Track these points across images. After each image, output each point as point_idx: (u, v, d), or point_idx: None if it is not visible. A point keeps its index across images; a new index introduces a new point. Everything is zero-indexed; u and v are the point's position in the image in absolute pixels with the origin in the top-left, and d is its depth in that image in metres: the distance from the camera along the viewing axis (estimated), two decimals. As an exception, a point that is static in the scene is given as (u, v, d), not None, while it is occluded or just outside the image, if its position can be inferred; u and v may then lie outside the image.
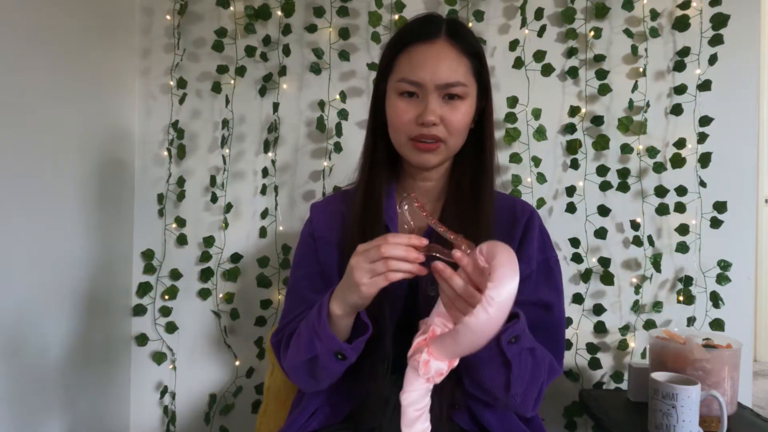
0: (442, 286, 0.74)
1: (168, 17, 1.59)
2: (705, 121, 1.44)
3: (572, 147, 1.50)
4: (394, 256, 0.71)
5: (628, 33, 1.46)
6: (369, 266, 0.73)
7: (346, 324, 0.82)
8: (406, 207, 0.76)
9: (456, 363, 0.71)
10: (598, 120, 1.49)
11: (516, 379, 0.81)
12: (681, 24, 1.45)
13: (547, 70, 1.49)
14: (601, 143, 1.48)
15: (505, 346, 0.77)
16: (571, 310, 1.50)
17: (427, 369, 0.70)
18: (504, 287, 0.65)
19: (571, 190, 1.50)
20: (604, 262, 1.49)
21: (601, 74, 1.48)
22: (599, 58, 1.49)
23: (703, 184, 1.46)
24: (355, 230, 0.93)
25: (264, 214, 1.59)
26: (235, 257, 1.60)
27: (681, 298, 1.48)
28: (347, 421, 0.94)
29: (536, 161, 1.50)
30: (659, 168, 1.47)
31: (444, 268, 0.72)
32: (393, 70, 0.92)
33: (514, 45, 1.50)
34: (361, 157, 1.00)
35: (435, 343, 0.71)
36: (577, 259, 1.50)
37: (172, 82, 1.59)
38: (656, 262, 1.48)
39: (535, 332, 0.91)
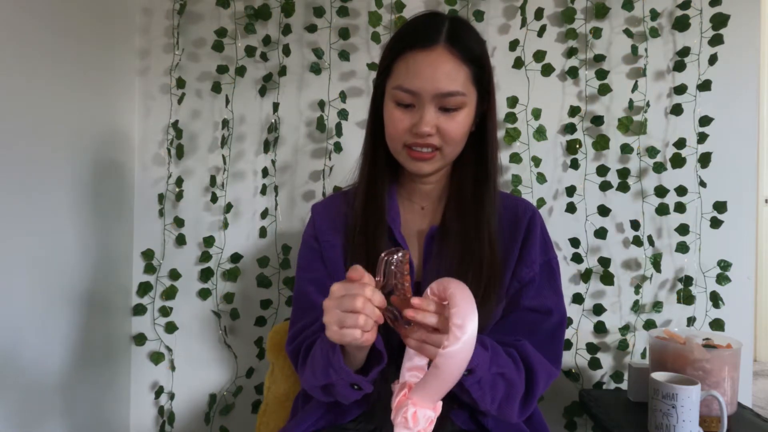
0: (407, 334, 0.74)
1: (167, 17, 1.59)
2: (705, 121, 1.44)
3: (572, 147, 1.50)
4: (362, 316, 0.69)
5: (628, 33, 1.46)
6: (339, 317, 0.70)
7: (361, 356, 0.80)
8: (393, 260, 0.72)
9: (440, 409, 0.71)
10: (598, 120, 1.49)
11: (482, 399, 0.81)
12: (681, 24, 1.45)
13: (547, 70, 1.49)
14: (601, 143, 1.48)
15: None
16: (571, 310, 1.50)
17: (416, 421, 0.68)
18: (467, 311, 0.67)
19: (571, 190, 1.50)
20: (604, 262, 1.49)
21: (601, 74, 1.48)
22: (599, 58, 1.49)
23: (703, 184, 1.46)
24: (358, 232, 0.92)
25: (264, 214, 1.59)
26: (235, 257, 1.60)
27: (681, 298, 1.48)
28: (349, 422, 0.94)
29: (536, 161, 1.50)
30: (659, 168, 1.47)
31: (416, 313, 0.71)
32: (391, 74, 0.89)
33: (514, 45, 1.50)
34: (361, 157, 0.99)
35: (416, 391, 0.70)
36: (577, 259, 1.50)
37: (171, 82, 1.59)
38: (656, 262, 1.48)
39: (531, 336, 0.91)
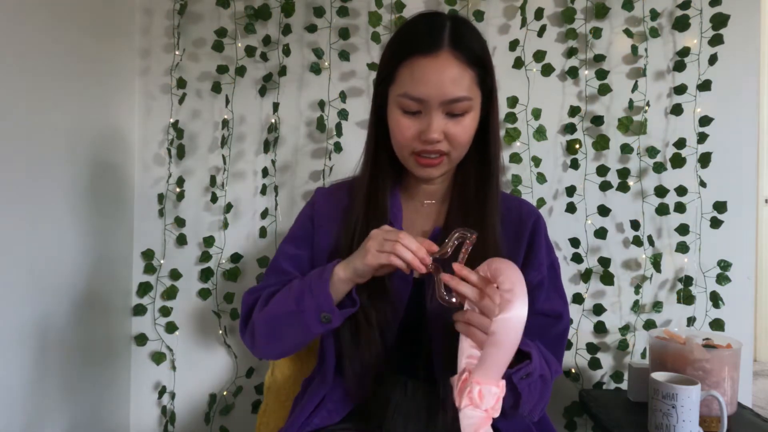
0: (457, 318, 0.78)
1: (167, 17, 1.59)
2: (705, 121, 1.44)
3: (572, 147, 1.50)
4: (407, 245, 0.78)
5: (628, 33, 1.46)
6: (382, 240, 0.80)
7: (342, 290, 0.84)
8: (463, 236, 0.78)
9: (504, 387, 0.70)
10: (598, 120, 1.49)
11: (525, 403, 0.83)
12: (681, 24, 1.45)
13: (547, 70, 1.49)
14: (601, 143, 1.48)
15: (517, 381, 0.79)
16: (571, 310, 1.48)
17: (482, 398, 0.67)
18: (515, 277, 0.69)
19: (571, 190, 1.50)
20: (604, 262, 1.49)
21: (601, 74, 1.48)
22: (599, 58, 1.49)
23: (703, 184, 1.46)
24: (358, 231, 0.92)
25: (264, 214, 1.59)
26: (235, 257, 1.60)
27: (681, 298, 1.48)
28: (347, 421, 0.94)
29: (536, 161, 1.50)
30: (659, 168, 1.47)
31: (452, 278, 0.77)
32: (394, 80, 0.88)
33: (514, 45, 1.50)
34: (364, 157, 0.98)
35: (477, 370, 0.69)
36: (577, 259, 1.50)
37: (172, 82, 1.59)
38: (656, 262, 1.48)
39: (541, 339, 0.92)
